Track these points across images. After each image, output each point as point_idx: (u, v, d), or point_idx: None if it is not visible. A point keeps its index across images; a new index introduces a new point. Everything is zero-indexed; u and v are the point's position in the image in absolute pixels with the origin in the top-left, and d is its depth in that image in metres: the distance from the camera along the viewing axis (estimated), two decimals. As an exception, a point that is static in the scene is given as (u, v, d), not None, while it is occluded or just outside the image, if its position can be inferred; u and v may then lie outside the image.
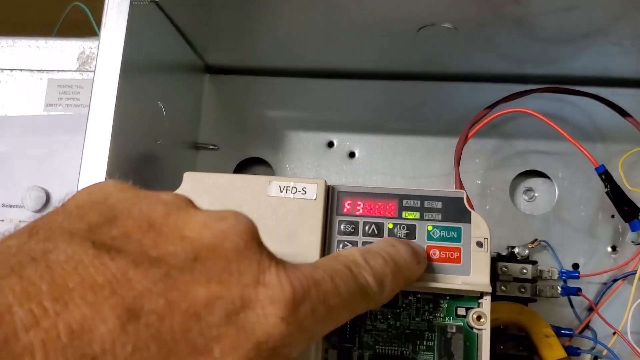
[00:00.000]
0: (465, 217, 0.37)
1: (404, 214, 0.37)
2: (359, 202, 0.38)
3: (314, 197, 0.37)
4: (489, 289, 0.36)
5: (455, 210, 0.37)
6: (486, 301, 0.36)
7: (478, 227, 0.37)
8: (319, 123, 0.58)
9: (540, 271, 0.51)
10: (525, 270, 0.51)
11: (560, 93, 0.53)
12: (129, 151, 0.44)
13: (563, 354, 0.45)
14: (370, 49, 0.53)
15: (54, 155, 0.61)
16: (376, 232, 0.37)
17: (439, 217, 0.37)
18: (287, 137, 0.59)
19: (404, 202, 0.38)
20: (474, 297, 0.37)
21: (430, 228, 0.37)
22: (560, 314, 0.53)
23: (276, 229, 0.37)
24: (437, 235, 0.37)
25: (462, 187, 0.48)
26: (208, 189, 0.38)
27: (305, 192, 0.37)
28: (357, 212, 0.38)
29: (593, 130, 0.56)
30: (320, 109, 0.59)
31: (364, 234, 0.38)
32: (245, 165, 0.59)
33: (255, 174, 0.59)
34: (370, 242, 0.37)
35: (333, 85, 0.59)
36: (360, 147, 0.58)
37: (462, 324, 0.37)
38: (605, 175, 0.46)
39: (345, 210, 0.38)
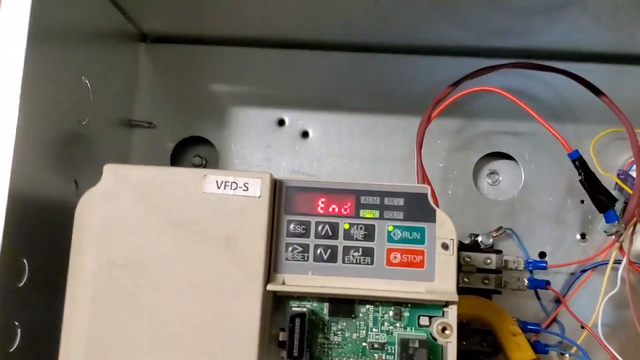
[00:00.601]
0: (430, 215, 0.33)
1: (362, 213, 0.33)
2: (311, 199, 0.33)
3: (258, 194, 0.32)
4: (456, 298, 0.32)
5: (419, 208, 0.33)
6: (452, 310, 0.32)
7: (443, 227, 0.33)
8: (269, 98, 0.53)
9: (506, 261, 0.47)
10: (489, 260, 0.47)
11: (530, 69, 0.49)
12: (48, 132, 0.38)
13: (532, 354, 0.42)
14: (324, 16, 0.48)
15: None
16: (330, 234, 0.33)
17: (401, 215, 0.33)
18: (233, 114, 0.53)
19: (362, 199, 0.33)
20: (437, 306, 0.33)
21: (390, 229, 0.33)
22: (525, 306, 0.50)
23: (213, 232, 0.32)
24: (399, 236, 0.33)
25: (424, 173, 0.44)
26: (133, 185, 0.32)
27: (248, 188, 0.32)
28: (309, 211, 0.33)
29: (563, 109, 0.52)
30: (270, 83, 0.53)
31: (317, 236, 0.33)
32: (186, 145, 0.53)
33: (196, 155, 0.53)
34: (324, 245, 0.32)
35: (284, 56, 0.53)
36: (315, 126, 0.53)
37: (425, 335, 0.33)
38: (579, 162, 0.42)
39: (295, 208, 0.33)
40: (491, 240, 0.48)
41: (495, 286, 0.47)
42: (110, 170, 0.32)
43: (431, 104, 0.47)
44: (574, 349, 0.46)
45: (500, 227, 0.50)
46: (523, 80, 0.51)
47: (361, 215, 0.33)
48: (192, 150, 0.54)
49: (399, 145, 0.52)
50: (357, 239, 0.33)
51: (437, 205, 0.33)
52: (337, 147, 0.52)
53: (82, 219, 0.32)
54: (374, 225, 0.33)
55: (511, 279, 0.47)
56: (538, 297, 0.49)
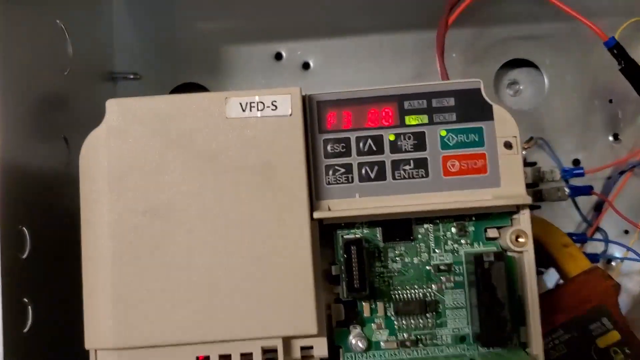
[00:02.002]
0: (486, 113, 0.29)
1: (407, 120, 0.29)
2: (345, 112, 0.29)
3: (289, 113, 0.28)
4: (529, 200, 0.28)
5: (473, 106, 0.29)
6: (524, 216, 0.29)
7: (503, 123, 0.29)
8: (262, 32, 0.48)
9: (543, 172, 0.44)
10: (524, 174, 0.43)
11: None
12: (30, 88, 0.33)
13: (588, 263, 0.39)
14: None
15: None
16: (374, 149, 0.29)
17: (453, 117, 0.29)
18: (224, 53, 0.48)
19: (406, 105, 0.29)
20: (505, 214, 0.29)
21: (443, 133, 0.29)
22: (563, 219, 0.47)
23: (244, 161, 0.27)
24: (454, 141, 0.29)
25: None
26: (143, 119, 0.27)
27: (276, 107, 0.28)
28: (346, 126, 0.29)
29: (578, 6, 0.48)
30: (261, 15, 0.48)
31: (359, 153, 0.29)
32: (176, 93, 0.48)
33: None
34: (369, 162, 0.28)
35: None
36: (315, 56, 0.48)
37: (496, 249, 0.29)
38: (617, 49, 0.39)
39: (331, 125, 0.29)
40: (524, 152, 0.45)
41: (534, 200, 0.43)
42: (113, 106, 0.28)
43: (446, 10, 0.42)
44: (626, 252, 0.43)
45: (531, 138, 0.46)
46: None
47: (407, 122, 0.29)
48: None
49: (410, 64, 0.47)
50: (406, 151, 0.29)
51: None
52: (341, 75, 0.48)
53: (88, 166, 0.27)
54: (423, 133, 0.29)
55: (550, 190, 0.44)
56: (577, 207, 0.46)
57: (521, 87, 0.49)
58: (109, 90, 0.47)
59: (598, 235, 0.46)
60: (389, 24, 0.48)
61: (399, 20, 0.48)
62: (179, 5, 0.48)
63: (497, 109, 0.29)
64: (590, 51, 0.47)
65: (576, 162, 0.47)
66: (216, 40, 0.48)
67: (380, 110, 0.29)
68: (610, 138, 0.47)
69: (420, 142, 0.29)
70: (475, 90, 0.29)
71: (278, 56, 0.48)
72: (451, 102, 0.29)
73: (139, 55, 0.48)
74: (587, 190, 0.43)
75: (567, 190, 0.43)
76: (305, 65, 0.48)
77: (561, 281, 0.39)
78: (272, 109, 0.28)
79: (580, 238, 0.43)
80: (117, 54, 0.48)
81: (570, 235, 0.43)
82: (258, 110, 0.28)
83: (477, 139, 0.28)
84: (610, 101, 0.47)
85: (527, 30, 0.48)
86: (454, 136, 0.29)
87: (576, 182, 0.46)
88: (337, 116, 0.29)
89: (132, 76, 0.47)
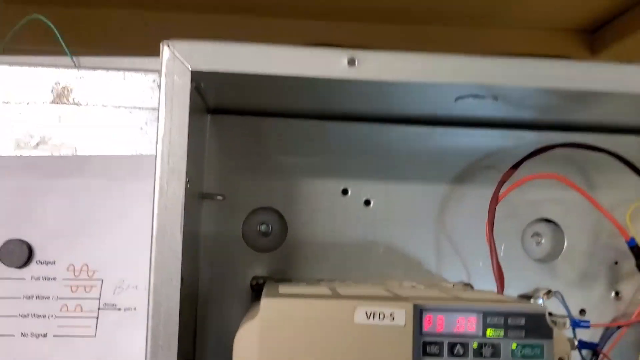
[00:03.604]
0: (548, 333, 0.37)
1: (488, 332, 0.37)
2: (441, 319, 0.37)
3: (403, 324, 0.36)
4: (573, 407, 0.37)
5: (538, 327, 0.37)
6: (568, 417, 0.37)
7: (560, 344, 0.37)
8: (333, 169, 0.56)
9: (554, 322, 0.53)
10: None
11: (584, 149, 0.54)
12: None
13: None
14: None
15: (31, 202, 0.54)
16: (461, 353, 0.37)
17: (522, 334, 0.37)
18: (299, 184, 0.55)
19: (488, 320, 0.37)
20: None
21: (514, 346, 0.37)
22: None
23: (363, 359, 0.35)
24: (521, 353, 0.37)
25: (498, 260, 0.48)
26: (290, 319, 0.35)
27: (394, 318, 0.36)
28: (441, 331, 0.37)
29: (598, 177, 0.57)
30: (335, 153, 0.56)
31: (449, 355, 0.37)
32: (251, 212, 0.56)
33: (263, 223, 0.55)
34: (456, 362, 0.36)
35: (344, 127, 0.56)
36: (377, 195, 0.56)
37: None
38: (636, 249, 0.48)
39: (425, 326, 0.37)
40: (542, 302, 0.54)
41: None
42: (267, 306, 0.35)
43: (497, 186, 0.51)
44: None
45: (550, 291, 0.55)
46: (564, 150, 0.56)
47: (487, 334, 0.37)
48: (258, 216, 0.56)
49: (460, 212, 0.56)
50: (484, 356, 0.37)
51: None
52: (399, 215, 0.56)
53: (242, 355, 0.35)
54: (499, 344, 0.37)
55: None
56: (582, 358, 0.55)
57: (543, 240, 0.58)
58: (196, 208, 0.53)
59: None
60: (437, 175, 0.56)
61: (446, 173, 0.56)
62: (259, 137, 0.55)
63: (556, 332, 0.37)
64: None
65: (582, 312, 0.56)
66: (292, 172, 0.55)
67: (468, 320, 0.37)
68: (613, 294, 0.57)
69: (496, 350, 0.37)
70: (541, 315, 0.37)
71: (344, 191, 0.56)
72: (522, 321, 0.37)
73: (224, 177, 0.55)
74: (595, 347, 0.53)
75: (576, 342, 0.53)
76: (367, 202, 0.56)
77: None
78: (390, 320, 0.36)
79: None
80: (205, 174, 0.54)
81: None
82: (379, 319, 0.35)
83: (538, 353, 0.37)
84: (616, 263, 0.57)
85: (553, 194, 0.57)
86: (521, 349, 0.37)
87: (581, 331, 0.55)
88: (434, 321, 0.37)
89: (219, 197, 0.54)
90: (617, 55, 1.24)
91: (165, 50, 0.34)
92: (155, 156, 0.35)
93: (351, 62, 0.35)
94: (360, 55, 0.35)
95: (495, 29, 1.27)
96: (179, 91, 0.35)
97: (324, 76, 0.36)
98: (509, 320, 0.37)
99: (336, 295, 0.39)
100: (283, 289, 0.42)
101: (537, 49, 1.27)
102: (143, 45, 0.49)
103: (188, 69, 0.35)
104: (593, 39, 1.27)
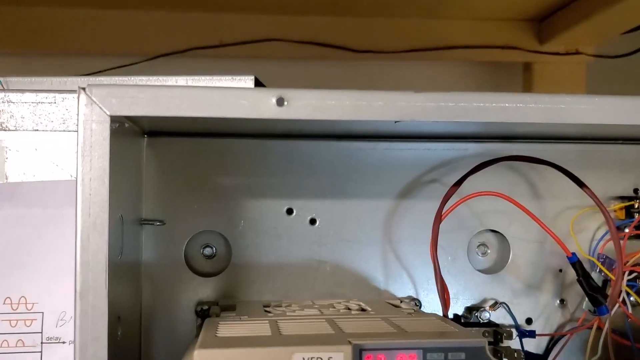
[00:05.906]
0: (488, 366, 0.37)
1: (429, 368, 0.37)
2: (379, 356, 0.37)
3: (342, 367, 0.35)
4: None
5: (478, 360, 0.37)
6: None
7: (500, 375, 0.37)
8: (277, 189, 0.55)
9: (500, 334, 0.53)
10: (487, 334, 0.53)
11: (526, 161, 0.53)
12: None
13: None
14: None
15: None
16: (403, 391, 0.37)
17: (463, 369, 0.37)
18: (242, 205, 0.54)
19: (428, 356, 0.37)
20: None
21: (455, 381, 0.37)
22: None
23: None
24: (462, 387, 0.37)
25: (442, 279, 0.48)
26: (225, 370, 0.34)
27: (332, 361, 0.35)
28: (380, 368, 0.37)
29: (543, 187, 0.58)
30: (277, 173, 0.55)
31: (391, 393, 0.37)
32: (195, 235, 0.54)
33: (207, 246, 0.54)
34: (397, 401, 0.36)
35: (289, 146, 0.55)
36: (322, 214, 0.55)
37: None
38: (578, 265, 0.48)
39: (366, 365, 0.37)
40: (488, 314, 0.54)
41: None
42: (202, 357, 0.34)
43: (440, 205, 0.51)
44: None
45: (496, 302, 0.56)
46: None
47: (428, 369, 0.37)
48: (201, 239, 0.54)
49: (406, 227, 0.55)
50: (425, 394, 0.37)
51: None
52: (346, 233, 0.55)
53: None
54: (441, 379, 0.37)
55: (508, 350, 0.53)
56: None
57: (489, 251, 0.58)
58: (136, 234, 0.52)
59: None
60: (381, 192, 0.55)
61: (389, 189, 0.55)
62: (198, 159, 0.53)
63: (496, 365, 0.37)
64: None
65: (529, 321, 0.57)
66: (234, 193, 0.54)
67: (408, 357, 0.37)
68: (557, 302, 0.58)
69: (437, 387, 0.37)
70: (481, 348, 0.37)
71: (289, 211, 0.55)
72: (462, 356, 0.37)
73: (163, 202, 0.53)
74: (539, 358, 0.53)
75: (522, 354, 0.53)
76: (312, 221, 0.55)
77: None
78: (328, 364, 0.35)
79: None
80: (144, 199, 0.53)
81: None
82: (317, 364, 0.35)
83: (480, 386, 0.37)
84: (560, 271, 0.57)
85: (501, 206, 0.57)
86: (462, 383, 0.37)
87: (528, 341, 0.56)
88: (371, 358, 0.37)
89: (159, 223, 0.53)
90: (565, 43, 1.26)
91: (82, 97, 0.32)
92: (76, 207, 0.34)
93: (280, 101, 0.34)
94: (289, 94, 0.34)
95: (443, 19, 1.27)
96: (98, 137, 0.33)
97: (251, 117, 0.34)
98: (449, 356, 0.37)
99: (275, 337, 0.38)
100: (222, 327, 0.41)
101: (486, 39, 1.28)
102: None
103: (107, 114, 0.33)
104: (540, 28, 1.29)
